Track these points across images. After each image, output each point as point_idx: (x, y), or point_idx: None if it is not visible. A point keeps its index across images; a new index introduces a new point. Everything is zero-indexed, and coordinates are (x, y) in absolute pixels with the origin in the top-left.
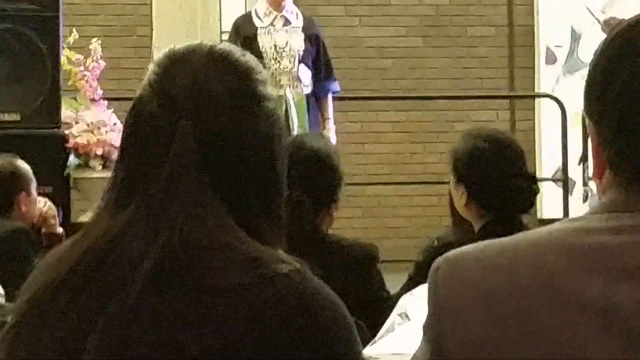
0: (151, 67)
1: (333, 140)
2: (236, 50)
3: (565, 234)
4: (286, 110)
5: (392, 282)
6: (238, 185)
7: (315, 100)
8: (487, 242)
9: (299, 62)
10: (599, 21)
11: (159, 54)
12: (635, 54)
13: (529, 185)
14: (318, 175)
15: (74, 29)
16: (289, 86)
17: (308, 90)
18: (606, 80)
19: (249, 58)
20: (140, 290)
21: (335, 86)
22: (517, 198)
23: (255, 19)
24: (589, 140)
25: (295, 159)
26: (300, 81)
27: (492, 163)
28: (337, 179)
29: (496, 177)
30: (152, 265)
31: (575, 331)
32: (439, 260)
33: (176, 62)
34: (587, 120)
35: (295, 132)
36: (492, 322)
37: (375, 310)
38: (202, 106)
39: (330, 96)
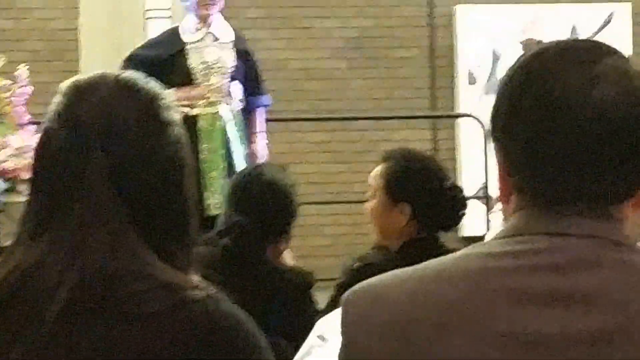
0: (58, 97)
1: (262, 155)
2: (140, 78)
3: (468, 260)
4: (223, 128)
5: (318, 301)
6: (149, 211)
7: (245, 115)
8: (394, 272)
9: (231, 78)
10: (520, 43)
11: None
12: (540, 82)
13: (464, 195)
14: (271, 206)
15: (1, 55)
16: (222, 103)
17: (242, 106)
18: (512, 108)
19: (153, 85)
20: (55, 320)
21: (265, 100)
22: (456, 210)
23: (183, 35)
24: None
25: (251, 187)
26: (233, 98)
27: (434, 178)
28: (289, 213)
29: (440, 191)
30: (68, 294)
31: (479, 357)
32: (347, 293)
33: (83, 92)
34: (494, 145)
35: (235, 149)
36: (398, 353)
37: (306, 335)
38: (111, 135)
39: (259, 110)
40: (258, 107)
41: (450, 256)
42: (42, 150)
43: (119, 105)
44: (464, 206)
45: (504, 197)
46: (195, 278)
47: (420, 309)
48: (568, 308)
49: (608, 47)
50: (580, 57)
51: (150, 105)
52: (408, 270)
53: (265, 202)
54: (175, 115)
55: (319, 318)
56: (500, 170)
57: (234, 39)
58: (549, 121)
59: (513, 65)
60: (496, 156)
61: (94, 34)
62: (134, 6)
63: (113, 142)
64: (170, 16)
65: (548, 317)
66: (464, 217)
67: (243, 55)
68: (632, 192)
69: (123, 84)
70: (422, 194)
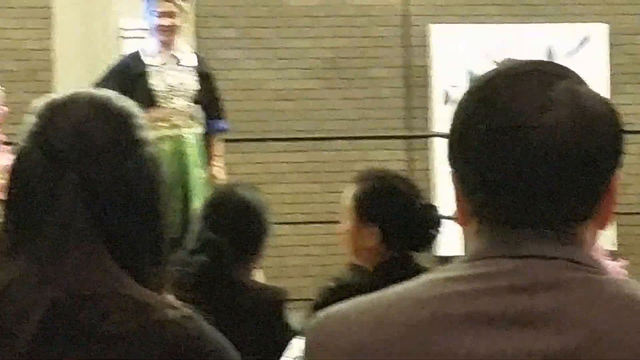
0: (31, 117)
1: (221, 178)
2: (115, 97)
3: (430, 285)
4: (184, 151)
5: (292, 321)
6: (123, 231)
7: (204, 138)
8: (357, 300)
9: (193, 101)
10: (495, 62)
11: None
12: (491, 106)
13: (437, 214)
14: (244, 225)
15: None
16: (186, 126)
17: (202, 129)
18: (465, 132)
19: (128, 104)
20: (30, 341)
21: (224, 124)
22: (431, 229)
23: (144, 58)
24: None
25: (224, 206)
26: (196, 121)
27: (404, 199)
28: (262, 232)
29: (411, 212)
30: (42, 316)
31: None
32: (313, 320)
33: (57, 111)
34: (450, 168)
35: (195, 173)
36: None
37: (280, 353)
38: (86, 156)
39: (218, 134)
40: (217, 131)
41: (412, 282)
42: (16, 170)
43: (93, 126)
44: (437, 225)
45: (463, 219)
46: (170, 298)
47: (383, 336)
48: (530, 329)
49: (563, 69)
50: (533, 81)
51: (123, 124)
52: (371, 297)
53: (238, 221)
54: (150, 135)
55: (293, 337)
56: (456, 193)
57: (196, 63)
58: (500, 145)
59: (468, 88)
60: (452, 179)
61: (68, 54)
62: (108, 26)
63: (86, 162)
64: (145, 36)
65: (510, 339)
66: (439, 236)
67: (205, 78)
68: (589, 213)
69: (96, 104)
70: (390, 216)
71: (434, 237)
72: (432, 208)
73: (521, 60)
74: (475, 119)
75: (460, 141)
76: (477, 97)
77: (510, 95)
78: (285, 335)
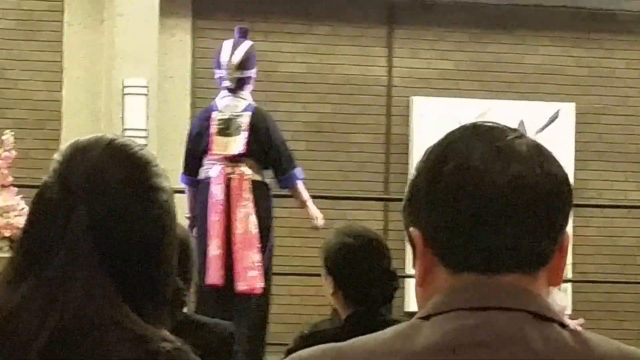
0: (57, 156)
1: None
2: (134, 144)
3: (395, 339)
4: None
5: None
6: (127, 267)
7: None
8: (327, 345)
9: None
10: None
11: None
12: (458, 151)
13: (389, 280)
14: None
15: None
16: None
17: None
18: (433, 178)
19: (146, 152)
20: None
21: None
22: (377, 291)
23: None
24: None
25: None
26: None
27: (357, 258)
28: (189, 261)
29: (359, 271)
30: (46, 341)
31: None
32: None
33: (77, 152)
34: (409, 230)
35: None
36: None
37: None
38: (96, 193)
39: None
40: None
41: (379, 335)
42: (37, 201)
43: (107, 166)
44: (389, 289)
45: (422, 278)
46: (165, 332)
47: None
48: None
49: (516, 129)
50: (494, 132)
51: (137, 169)
52: (339, 345)
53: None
54: (165, 183)
55: None
56: (419, 250)
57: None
58: (468, 187)
59: (428, 149)
60: (413, 237)
61: (75, 107)
62: (113, 82)
63: (96, 199)
64: (146, 93)
65: None
66: (392, 297)
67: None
68: (545, 260)
69: (113, 148)
70: (342, 270)
71: (383, 298)
72: (385, 272)
73: (476, 122)
74: (441, 163)
75: (426, 188)
76: (440, 147)
77: (475, 142)
78: None
